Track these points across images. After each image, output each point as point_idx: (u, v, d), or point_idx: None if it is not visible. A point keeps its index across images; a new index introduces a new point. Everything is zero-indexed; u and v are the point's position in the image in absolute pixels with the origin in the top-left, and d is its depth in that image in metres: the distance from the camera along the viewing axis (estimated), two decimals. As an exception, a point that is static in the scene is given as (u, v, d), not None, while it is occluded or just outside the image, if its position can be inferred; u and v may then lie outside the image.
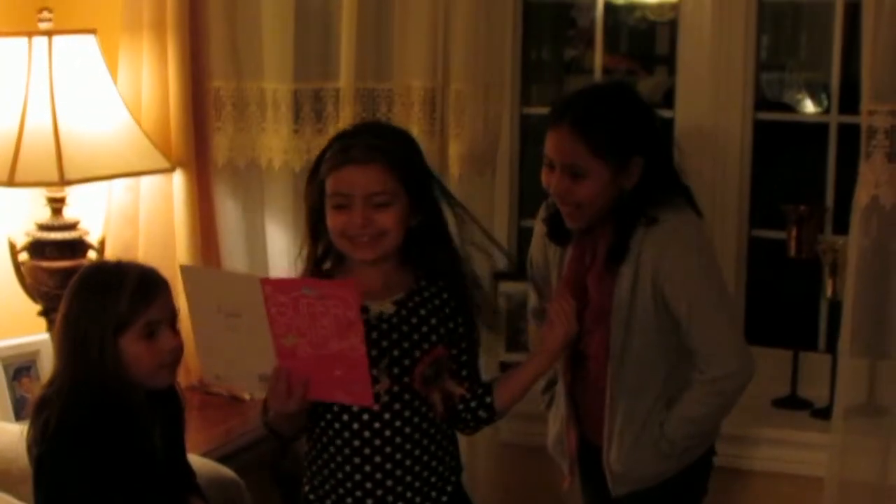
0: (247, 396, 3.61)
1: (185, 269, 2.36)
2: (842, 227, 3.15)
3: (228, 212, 3.60)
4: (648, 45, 4.17)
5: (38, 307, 3.37)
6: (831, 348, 3.19)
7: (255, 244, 3.58)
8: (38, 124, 3.20)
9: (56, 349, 2.40)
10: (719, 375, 2.57)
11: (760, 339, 3.08)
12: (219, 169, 3.57)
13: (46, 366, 3.27)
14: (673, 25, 3.50)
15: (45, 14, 3.32)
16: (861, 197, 2.99)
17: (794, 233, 3.27)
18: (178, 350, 2.44)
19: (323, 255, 2.45)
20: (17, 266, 3.35)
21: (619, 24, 3.98)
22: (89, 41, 3.36)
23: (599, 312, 2.63)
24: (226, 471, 3.04)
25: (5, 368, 3.23)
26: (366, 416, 2.36)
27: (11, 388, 3.23)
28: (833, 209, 3.33)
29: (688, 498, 2.74)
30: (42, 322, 3.37)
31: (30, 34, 3.25)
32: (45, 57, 3.22)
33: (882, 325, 3.02)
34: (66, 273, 3.32)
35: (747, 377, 2.60)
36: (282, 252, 3.52)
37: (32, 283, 3.34)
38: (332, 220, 2.36)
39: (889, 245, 3.01)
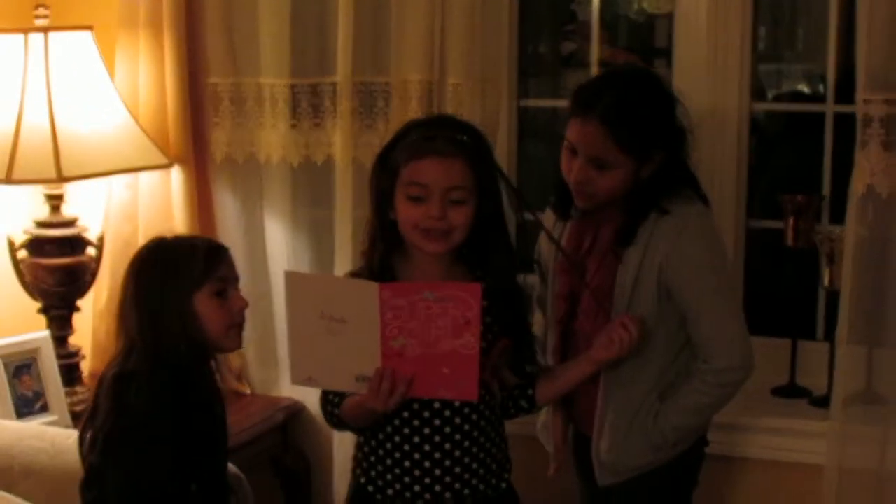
0: (247, 391, 3.63)
1: (289, 275, 2.35)
2: (839, 216, 3.15)
3: (227, 207, 3.61)
4: (647, 37, 4.16)
5: (37, 305, 3.38)
6: (829, 337, 3.20)
7: (254, 239, 3.58)
8: (35, 121, 3.20)
9: (126, 327, 2.42)
10: (725, 366, 2.58)
11: (759, 328, 3.08)
12: (217, 164, 3.58)
13: (47, 363, 3.28)
14: (671, 18, 3.49)
15: (42, 11, 3.33)
16: (857, 186, 2.98)
17: (791, 222, 3.27)
18: (244, 311, 2.48)
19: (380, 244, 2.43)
20: (17, 264, 3.35)
21: (617, 17, 3.98)
22: (86, 38, 3.36)
23: (598, 296, 2.63)
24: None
25: (6, 366, 3.21)
26: (436, 405, 2.37)
27: (12, 386, 3.22)
28: (830, 198, 3.33)
29: (678, 488, 2.74)
30: (42, 319, 3.38)
31: (26, 31, 3.25)
32: (41, 54, 3.23)
33: (879, 313, 3.03)
34: (66, 270, 3.34)
35: (750, 370, 2.61)
36: (280, 246, 3.53)
37: (32, 280, 3.34)
38: (406, 211, 2.35)
39: (886, 233, 3.00)
